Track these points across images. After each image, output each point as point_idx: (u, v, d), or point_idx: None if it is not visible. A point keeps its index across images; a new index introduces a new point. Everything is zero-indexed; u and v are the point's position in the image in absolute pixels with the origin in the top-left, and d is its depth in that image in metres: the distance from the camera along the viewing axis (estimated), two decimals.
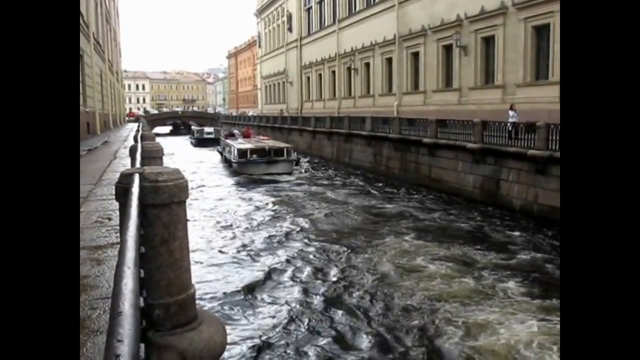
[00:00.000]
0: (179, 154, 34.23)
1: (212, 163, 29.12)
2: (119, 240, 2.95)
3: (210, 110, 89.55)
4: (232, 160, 23.61)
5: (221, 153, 29.60)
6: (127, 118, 50.21)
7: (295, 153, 23.98)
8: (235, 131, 34.21)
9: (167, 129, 67.28)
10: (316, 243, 11.20)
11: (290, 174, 22.24)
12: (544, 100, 16.75)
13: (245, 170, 22.37)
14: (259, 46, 60.10)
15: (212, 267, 9.46)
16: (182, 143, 46.62)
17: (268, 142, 25.51)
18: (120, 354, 0.86)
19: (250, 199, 17.23)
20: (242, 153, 22.48)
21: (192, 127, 54.48)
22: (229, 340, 2.45)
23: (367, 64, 31.68)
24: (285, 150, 23.05)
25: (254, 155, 22.37)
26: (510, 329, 6.56)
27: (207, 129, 45.98)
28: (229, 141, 27.14)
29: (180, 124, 67.05)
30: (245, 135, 30.34)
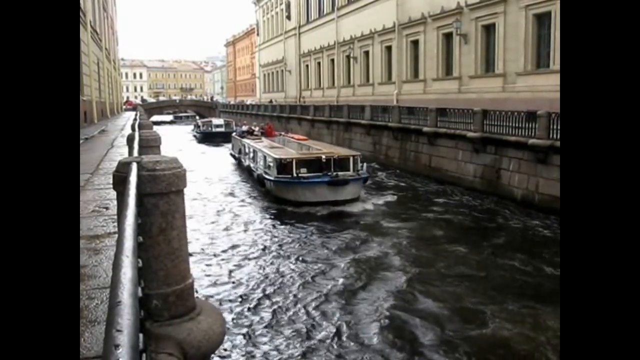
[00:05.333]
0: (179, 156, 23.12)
1: (227, 173, 20.88)
2: (116, 229, 2.93)
3: (206, 98, 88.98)
4: (266, 176, 14.74)
5: (238, 159, 21.14)
6: (124, 107, 49.61)
7: (365, 164, 14.78)
8: (256, 127, 24.29)
9: (167, 117, 66.36)
10: None
11: (358, 199, 13.90)
12: (545, 88, 16.66)
13: (291, 195, 13.71)
14: (258, 34, 59.72)
15: None
16: (183, 137, 40.85)
17: (316, 146, 16.71)
18: (120, 344, 0.86)
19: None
20: (283, 166, 13.70)
21: (197, 119, 48.95)
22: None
23: (367, 52, 31.49)
24: (351, 160, 14.10)
25: (304, 170, 13.63)
26: None
27: (216, 121, 38.29)
28: (249, 142, 18.81)
29: (181, 112, 66.80)
30: (268, 133, 21.65)
